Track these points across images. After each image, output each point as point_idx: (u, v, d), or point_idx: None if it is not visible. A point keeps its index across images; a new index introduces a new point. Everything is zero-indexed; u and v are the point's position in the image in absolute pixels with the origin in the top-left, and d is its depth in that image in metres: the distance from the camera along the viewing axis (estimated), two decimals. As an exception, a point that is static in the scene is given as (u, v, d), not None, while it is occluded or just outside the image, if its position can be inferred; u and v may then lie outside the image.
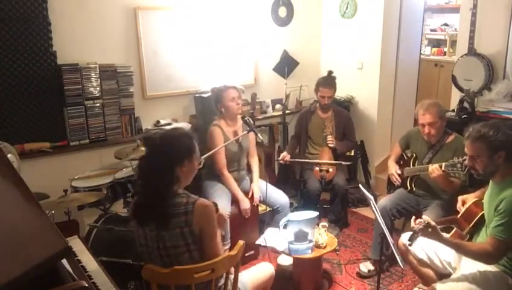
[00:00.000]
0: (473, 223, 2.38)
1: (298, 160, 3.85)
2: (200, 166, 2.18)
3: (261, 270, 2.34)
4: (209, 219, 1.91)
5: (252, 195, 3.31)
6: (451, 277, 2.31)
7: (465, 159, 2.62)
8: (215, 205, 2.15)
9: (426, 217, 2.18)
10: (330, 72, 4.00)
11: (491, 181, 2.27)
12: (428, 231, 2.11)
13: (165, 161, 1.90)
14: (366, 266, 3.15)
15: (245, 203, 3.21)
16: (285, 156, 3.72)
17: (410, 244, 2.22)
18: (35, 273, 1.27)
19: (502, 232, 2.04)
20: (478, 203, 2.41)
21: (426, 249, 2.48)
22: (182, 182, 1.98)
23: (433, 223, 2.13)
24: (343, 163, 3.64)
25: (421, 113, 2.95)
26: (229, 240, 3.11)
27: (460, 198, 2.56)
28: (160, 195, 1.89)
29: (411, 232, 2.17)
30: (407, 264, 2.65)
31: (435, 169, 2.78)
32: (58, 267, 1.50)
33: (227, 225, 3.07)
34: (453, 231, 2.42)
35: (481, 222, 2.35)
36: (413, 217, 2.27)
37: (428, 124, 2.92)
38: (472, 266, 2.22)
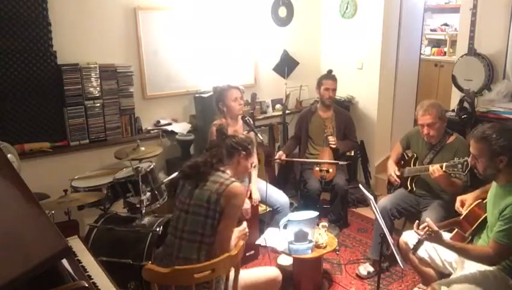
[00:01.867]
0: (475, 225, 2.37)
1: (295, 159, 3.85)
2: (250, 170, 2.55)
3: (262, 272, 2.32)
4: (236, 202, 2.10)
5: (250, 195, 3.30)
6: (451, 276, 2.31)
7: (466, 160, 2.62)
8: (239, 219, 2.30)
9: (428, 221, 2.18)
10: (330, 71, 4.02)
11: (494, 182, 2.27)
12: (431, 236, 2.13)
13: (229, 145, 2.28)
14: (365, 268, 3.15)
15: (245, 204, 3.20)
16: (281, 155, 3.73)
17: (414, 253, 2.25)
18: (35, 273, 1.27)
19: (505, 237, 2.04)
20: (481, 205, 2.40)
21: (428, 248, 2.48)
22: (231, 170, 2.25)
23: (435, 228, 2.13)
24: (340, 163, 3.61)
25: (420, 114, 2.94)
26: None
27: (459, 198, 2.55)
28: (211, 162, 2.22)
29: (412, 231, 2.19)
30: (408, 262, 2.66)
31: (435, 169, 2.77)
32: (58, 267, 1.50)
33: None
34: (454, 232, 2.42)
35: (483, 223, 2.34)
36: (416, 223, 2.27)
37: (427, 125, 2.92)
38: (472, 267, 2.23)
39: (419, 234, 2.18)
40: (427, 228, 2.14)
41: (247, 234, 2.35)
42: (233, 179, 2.16)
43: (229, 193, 2.08)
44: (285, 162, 3.84)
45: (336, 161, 3.60)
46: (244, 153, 2.29)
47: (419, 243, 2.19)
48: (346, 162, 3.71)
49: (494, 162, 2.12)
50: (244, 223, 2.38)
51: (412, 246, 2.30)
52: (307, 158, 3.81)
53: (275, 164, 4.31)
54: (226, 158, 2.27)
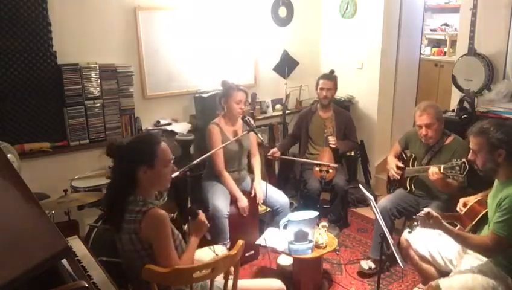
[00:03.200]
0: (475, 221, 2.38)
1: (287, 157, 3.84)
2: (175, 172, 2.12)
3: (265, 284, 2.27)
4: (158, 230, 1.89)
5: (255, 194, 3.31)
6: (450, 274, 2.32)
7: (463, 162, 2.63)
8: (194, 212, 2.12)
9: (428, 209, 2.20)
10: (332, 71, 4.02)
11: (496, 180, 2.28)
12: (432, 220, 2.14)
13: (124, 163, 1.96)
14: (367, 263, 3.15)
15: (242, 202, 3.21)
16: (275, 152, 3.69)
17: (410, 232, 2.29)
18: (35, 273, 1.27)
19: (503, 228, 2.05)
20: (481, 202, 2.42)
21: (428, 245, 2.50)
22: (146, 188, 1.97)
23: (435, 214, 2.15)
24: (331, 165, 3.55)
25: (418, 114, 2.95)
26: (228, 240, 3.12)
27: (462, 200, 2.56)
28: (117, 199, 1.94)
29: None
30: (408, 259, 2.66)
31: (434, 173, 2.79)
32: (58, 267, 1.50)
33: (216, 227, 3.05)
34: (456, 228, 2.43)
35: (484, 220, 2.36)
36: None
37: (425, 125, 2.92)
38: (472, 263, 2.24)
39: (416, 216, 2.20)
40: (424, 211, 2.17)
41: (207, 224, 2.13)
42: (144, 208, 1.89)
43: (146, 226, 1.87)
44: (278, 159, 3.81)
45: (326, 163, 3.55)
46: (143, 167, 1.91)
47: (414, 222, 2.22)
48: (336, 165, 3.57)
49: (493, 155, 2.14)
50: (201, 214, 2.13)
51: (407, 230, 2.33)
52: (307, 158, 3.80)
53: (276, 164, 4.31)
54: (129, 182, 1.93)
